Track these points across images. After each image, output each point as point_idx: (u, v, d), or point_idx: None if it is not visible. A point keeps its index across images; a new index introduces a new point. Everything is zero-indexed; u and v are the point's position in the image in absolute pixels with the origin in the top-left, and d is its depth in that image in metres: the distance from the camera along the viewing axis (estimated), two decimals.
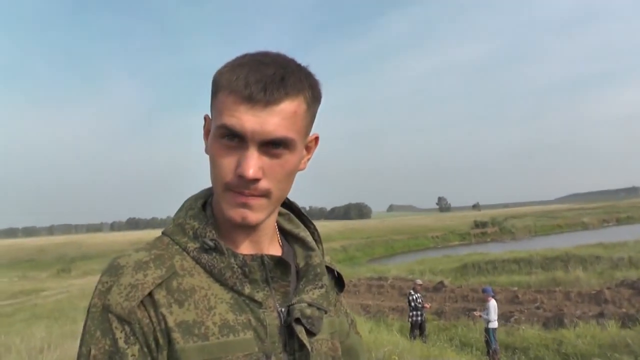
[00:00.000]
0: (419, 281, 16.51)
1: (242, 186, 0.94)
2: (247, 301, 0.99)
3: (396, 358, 8.65)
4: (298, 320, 1.00)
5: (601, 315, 15.15)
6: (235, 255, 0.99)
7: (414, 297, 15.21)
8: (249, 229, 1.02)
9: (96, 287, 0.94)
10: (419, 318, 15.12)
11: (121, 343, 0.89)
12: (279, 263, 1.02)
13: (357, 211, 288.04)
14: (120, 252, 1.05)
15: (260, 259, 1.00)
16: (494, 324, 13.52)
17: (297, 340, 0.99)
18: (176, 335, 0.91)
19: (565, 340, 13.19)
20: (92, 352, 0.90)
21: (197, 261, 0.98)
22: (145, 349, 0.90)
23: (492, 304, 13.69)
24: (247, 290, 0.99)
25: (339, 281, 1.23)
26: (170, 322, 0.92)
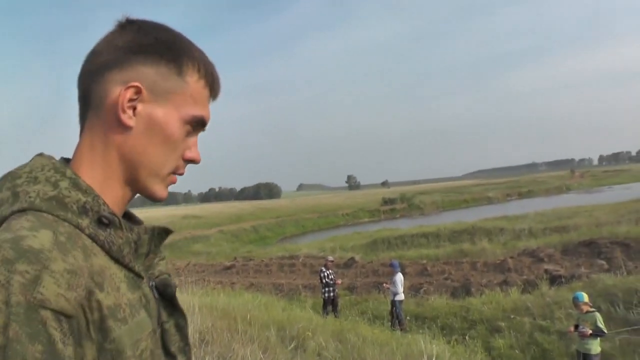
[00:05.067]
0: (331, 258, 16.60)
1: (183, 168, 0.98)
2: (135, 277, 0.89)
3: (310, 334, 8.62)
4: (174, 290, 0.99)
5: (505, 282, 15.79)
6: (131, 229, 0.89)
7: (326, 274, 15.29)
8: (126, 204, 0.97)
9: (8, 281, 0.69)
10: (332, 294, 15.22)
11: (59, 345, 0.70)
12: (165, 233, 0.97)
13: (267, 191, 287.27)
14: None
15: (152, 231, 0.94)
16: (401, 296, 13.88)
17: (170, 309, 0.97)
18: (110, 323, 0.78)
19: (472, 307, 13.67)
20: None
21: (94, 239, 0.83)
22: (78, 347, 0.74)
23: (399, 277, 14.03)
24: (136, 267, 0.90)
25: None
26: (104, 309, 0.78)
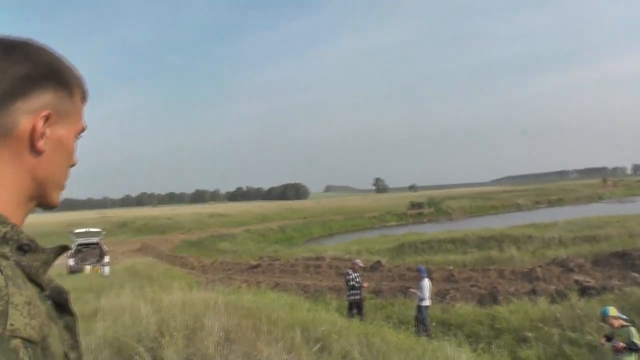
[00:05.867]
0: (359, 262, 16.48)
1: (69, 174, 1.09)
2: (40, 291, 0.95)
3: (335, 336, 8.56)
4: (66, 296, 1.03)
5: (533, 292, 15.54)
6: (44, 251, 0.98)
7: (353, 277, 15.20)
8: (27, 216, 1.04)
9: None
10: (357, 297, 15.13)
11: None
12: (64, 250, 1.05)
13: (294, 191, 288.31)
14: None
15: (59, 249, 1.02)
16: (427, 302, 13.77)
17: (60, 312, 1.00)
18: (49, 340, 0.87)
19: (498, 316, 13.47)
20: None
21: (18, 264, 0.91)
22: None
23: (426, 282, 13.91)
24: (43, 284, 0.97)
25: None
26: (46, 330, 0.87)
